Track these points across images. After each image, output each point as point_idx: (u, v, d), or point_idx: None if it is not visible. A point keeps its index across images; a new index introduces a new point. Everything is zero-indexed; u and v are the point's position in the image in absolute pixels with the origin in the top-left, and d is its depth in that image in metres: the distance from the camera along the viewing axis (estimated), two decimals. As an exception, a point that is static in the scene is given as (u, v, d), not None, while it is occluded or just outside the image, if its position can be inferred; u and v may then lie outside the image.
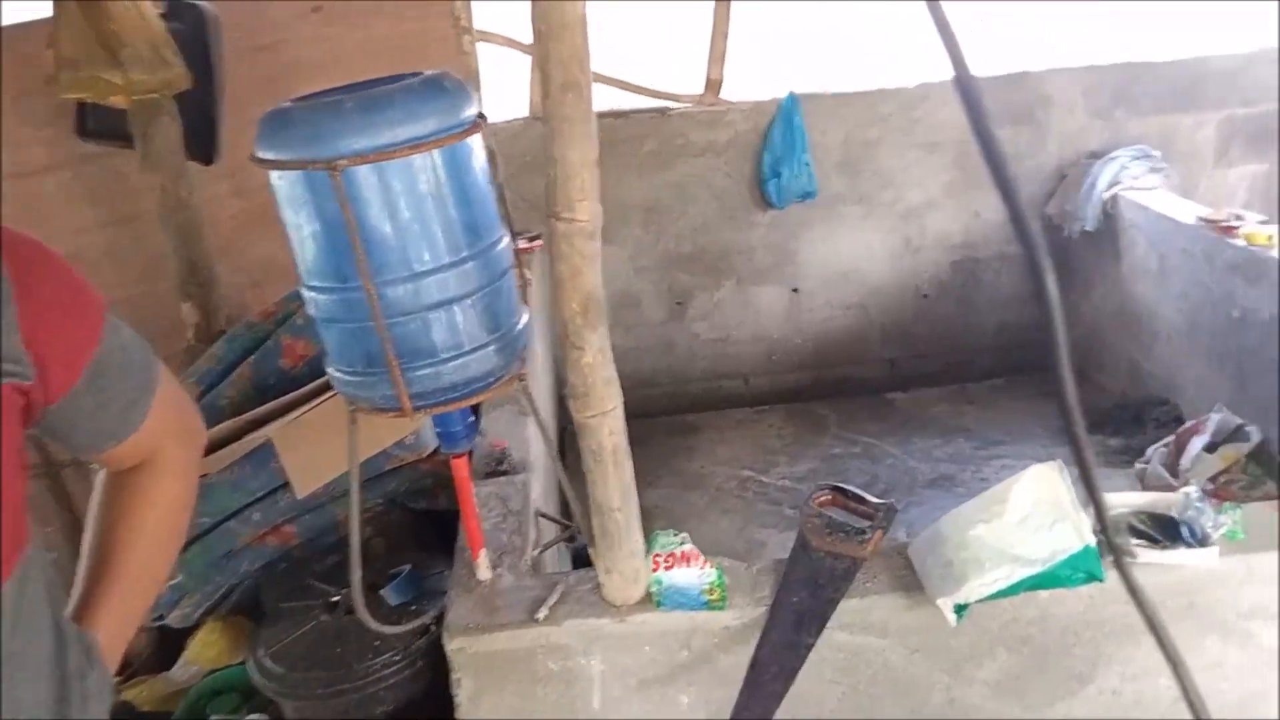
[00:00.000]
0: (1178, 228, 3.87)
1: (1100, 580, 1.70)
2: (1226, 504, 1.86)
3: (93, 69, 2.47)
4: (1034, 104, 4.48)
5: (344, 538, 1.83)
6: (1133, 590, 0.62)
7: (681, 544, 1.80)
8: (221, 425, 2.23)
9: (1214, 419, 3.48)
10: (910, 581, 1.77)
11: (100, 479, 1.06)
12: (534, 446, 2.35)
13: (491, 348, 1.60)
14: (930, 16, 0.49)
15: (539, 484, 2.36)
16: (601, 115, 4.90)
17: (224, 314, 2.94)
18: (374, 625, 1.71)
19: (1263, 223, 3.57)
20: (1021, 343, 4.82)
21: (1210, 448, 3.46)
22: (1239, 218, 3.65)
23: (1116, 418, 4.19)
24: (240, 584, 2.21)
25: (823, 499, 1.92)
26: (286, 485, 2.14)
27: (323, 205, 1.45)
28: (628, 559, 1.70)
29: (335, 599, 2.01)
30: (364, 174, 1.43)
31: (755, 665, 1.70)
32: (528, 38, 3.57)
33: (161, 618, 2.18)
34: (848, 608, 1.74)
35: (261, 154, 1.47)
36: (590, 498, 1.68)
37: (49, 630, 0.88)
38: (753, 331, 4.84)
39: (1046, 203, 4.59)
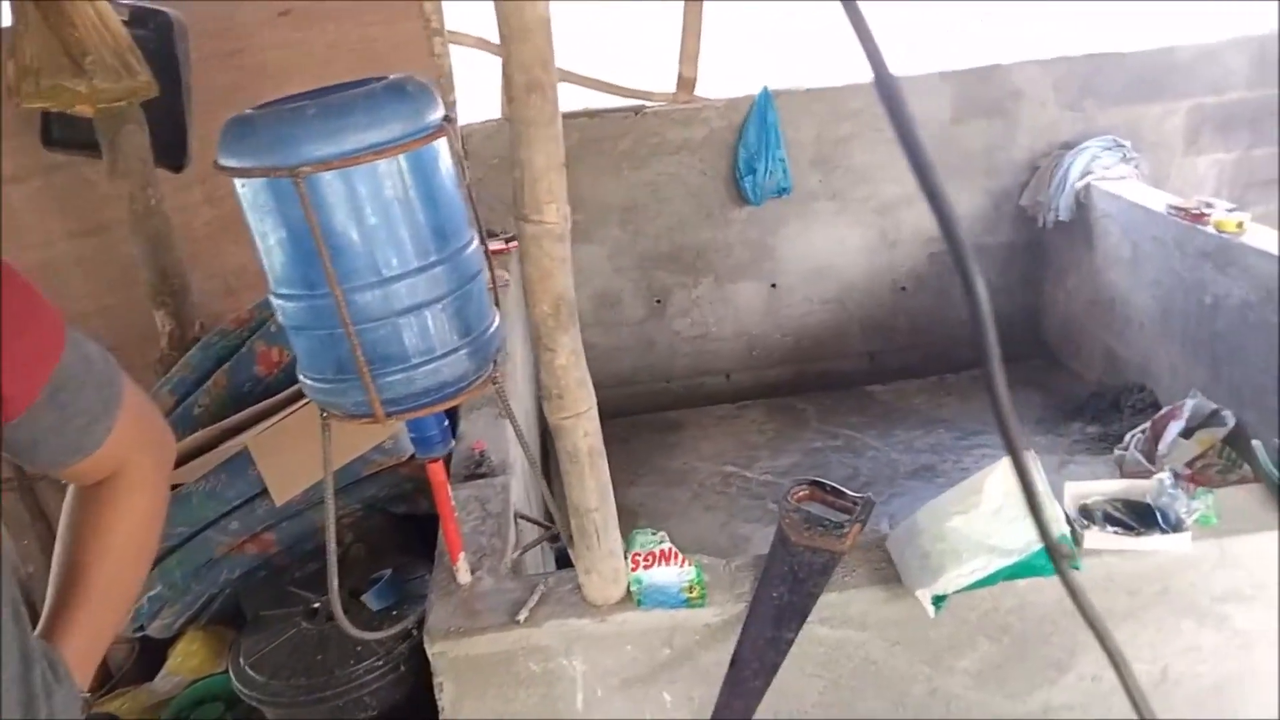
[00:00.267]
0: (1149, 216, 3.90)
1: (1076, 568, 1.71)
2: (1199, 489, 1.87)
3: (55, 78, 2.44)
4: (1005, 97, 4.50)
5: (324, 544, 1.82)
6: (1072, 591, 0.62)
7: (660, 543, 1.81)
8: (197, 434, 2.22)
9: (1189, 404, 3.51)
10: (889, 574, 1.78)
11: (69, 494, 1.05)
12: (514, 448, 2.34)
13: (463, 352, 1.60)
14: (846, 16, 0.49)
15: (519, 485, 2.35)
16: (576, 115, 4.92)
17: (198, 322, 2.93)
18: (353, 631, 1.71)
19: (1232, 210, 3.61)
20: (999, 333, 4.83)
21: (1186, 433, 3.50)
22: (1209, 205, 3.69)
23: (1094, 405, 4.23)
24: (220, 593, 2.20)
25: (801, 494, 1.92)
26: (264, 493, 2.13)
27: (288, 212, 1.44)
28: (606, 559, 1.70)
29: (316, 606, 2.00)
30: (328, 180, 1.43)
31: (736, 662, 1.70)
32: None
33: (142, 628, 2.17)
34: (827, 602, 1.75)
35: (224, 162, 1.46)
36: (567, 499, 1.68)
37: (15, 649, 0.87)
38: (733, 328, 4.85)
39: (1020, 194, 4.63)
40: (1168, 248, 3.83)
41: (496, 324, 1.71)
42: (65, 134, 2.89)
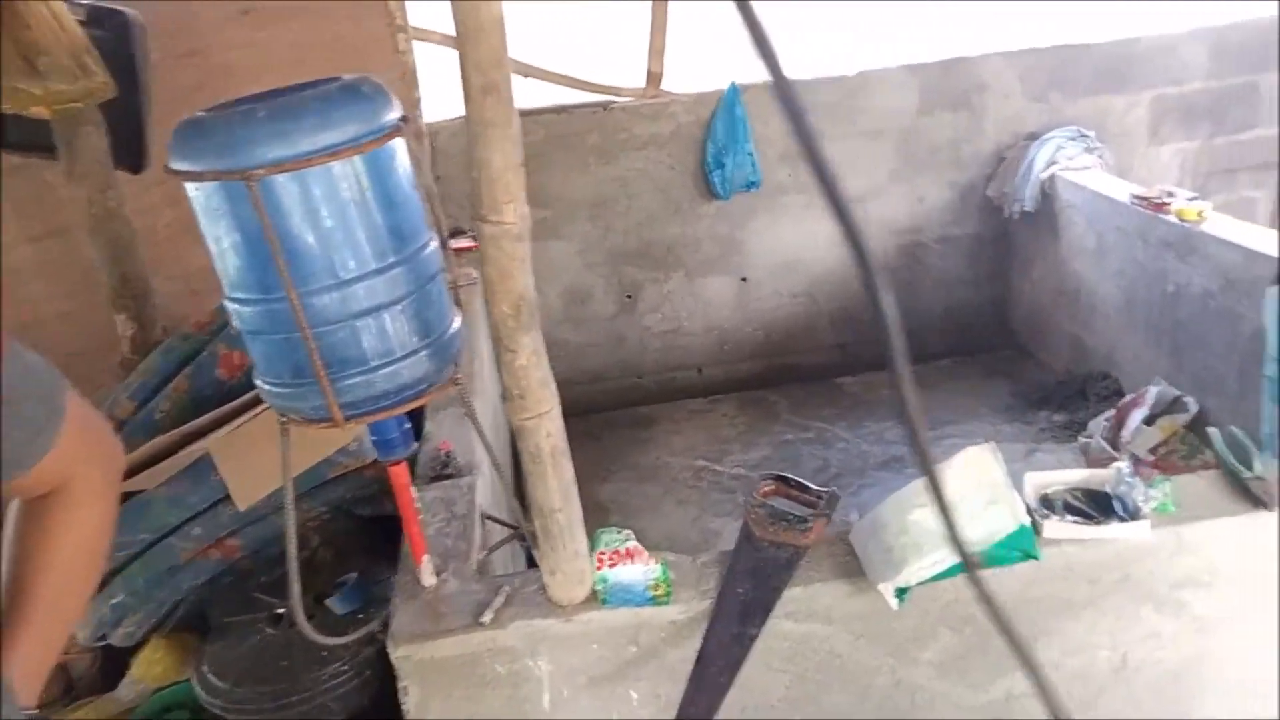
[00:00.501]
0: (1113, 206, 3.94)
1: (1036, 559, 1.73)
2: (1157, 477, 1.90)
3: (10, 79, 2.40)
4: (971, 89, 4.53)
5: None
6: (984, 597, 0.63)
7: (625, 541, 1.81)
8: (158, 439, 2.19)
9: (1152, 392, 3.56)
10: (853, 568, 1.79)
11: (12, 508, 1.03)
12: (481, 448, 2.33)
13: (424, 353, 1.59)
14: (740, 16, 0.49)
15: (487, 486, 2.35)
16: (544, 111, 4.89)
17: (161, 325, 2.89)
18: (315, 637, 1.70)
19: (1193, 199, 3.65)
20: (967, 324, 4.90)
21: (1149, 420, 3.55)
22: (1170, 195, 3.73)
23: (1060, 393, 4.27)
24: (184, 600, 2.18)
25: (767, 489, 1.93)
26: (227, 498, 2.11)
27: (241, 215, 1.43)
28: (571, 559, 1.70)
29: (281, 611, 1.99)
30: (282, 183, 1.41)
31: (701, 658, 1.71)
32: (464, 35, 3.54)
33: (104, 637, 2.14)
34: (792, 596, 1.76)
35: (176, 165, 1.45)
36: (531, 500, 1.68)
37: None
38: (703, 322, 4.86)
39: (987, 185, 4.66)
40: (1131, 237, 3.87)
41: (457, 324, 1.70)
42: (21, 136, 2.84)
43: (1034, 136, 4.50)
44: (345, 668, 1.82)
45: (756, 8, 0.50)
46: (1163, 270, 3.71)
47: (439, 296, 1.65)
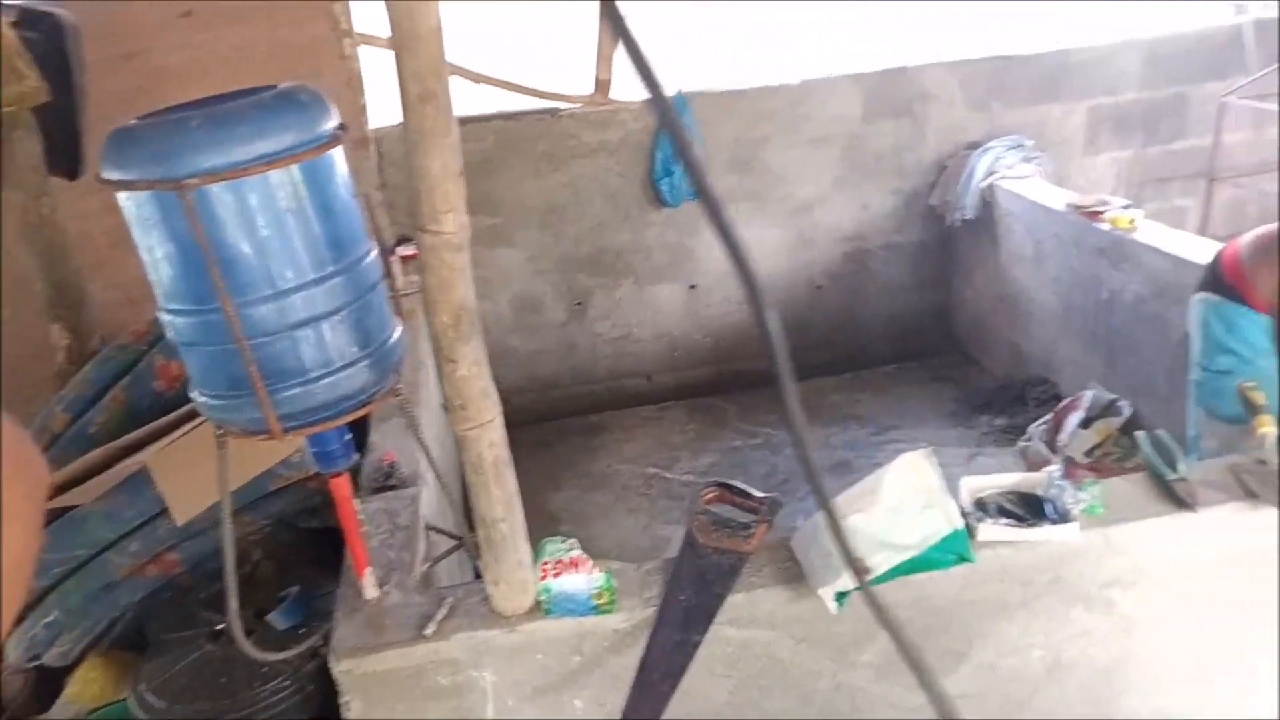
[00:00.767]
0: (1049, 214, 4.05)
1: (970, 561, 1.77)
2: (1087, 480, 1.96)
3: (-64, 84, 2.33)
4: (914, 98, 4.62)
5: (228, 563, 1.78)
6: (876, 607, 0.65)
7: (570, 550, 1.82)
8: (93, 453, 2.14)
9: (1088, 395, 3.65)
10: (794, 573, 1.81)
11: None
12: (424, 459, 2.32)
13: (364, 363, 1.58)
14: (613, 29, 0.51)
15: (433, 497, 2.34)
16: (492, 118, 4.87)
17: (98, 335, 2.83)
18: (254, 653, 1.67)
19: (1126, 207, 3.77)
20: (911, 330, 4.99)
21: (1085, 423, 3.64)
22: (1105, 203, 3.84)
23: (1001, 398, 4.37)
24: (121, 617, 2.13)
25: (710, 495, 1.95)
26: (165, 512, 2.07)
27: (174, 226, 1.41)
28: (515, 569, 1.70)
29: (221, 627, 1.95)
30: (216, 193, 1.40)
31: (644, 666, 1.72)
32: (410, 41, 3.50)
33: (38, 657, 2.09)
34: (735, 602, 1.78)
35: (108, 174, 1.43)
36: (474, 510, 1.67)
37: None
38: (653, 329, 4.88)
39: (929, 193, 4.75)
40: (1067, 245, 3.98)
41: (398, 334, 1.69)
42: (-51, 141, 2.76)
43: (975, 145, 4.60)
44: (287, 683, 1.80)
45: (632, 25, 0.52)
46: (1097, 277, 3.82)
47: (379, 306, 1.64)
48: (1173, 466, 1.97)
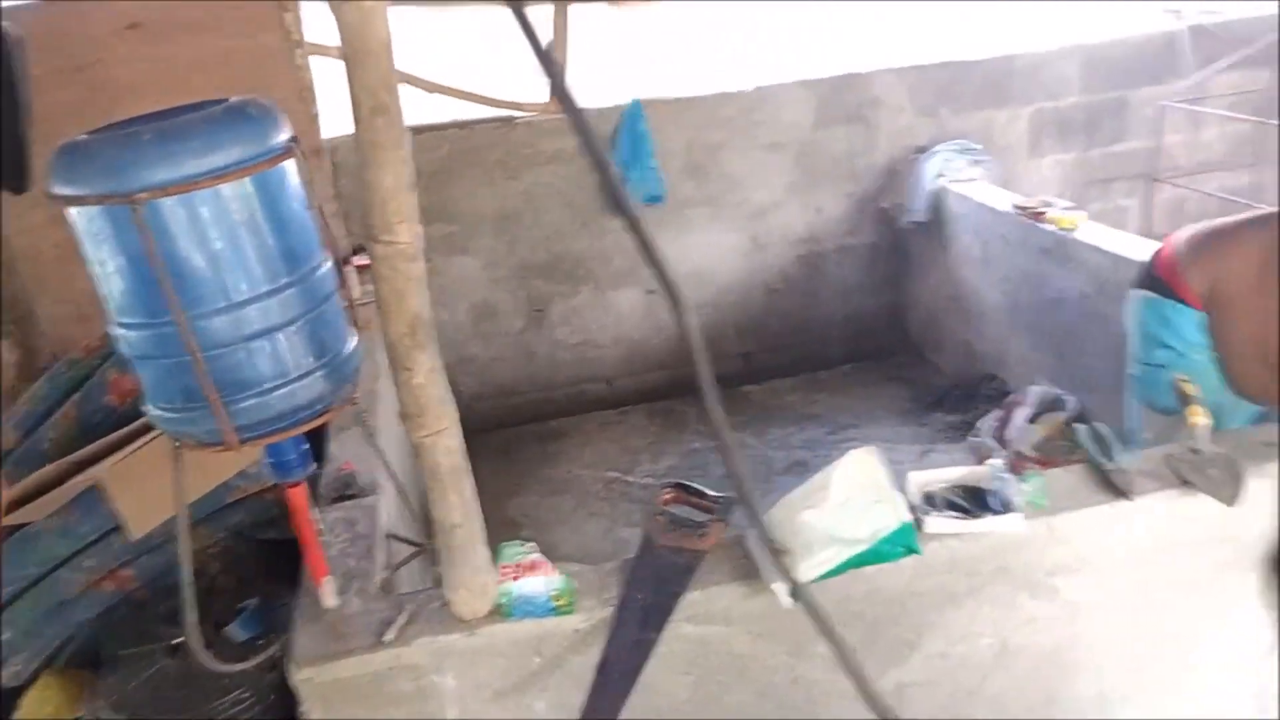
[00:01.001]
0: (996, 216, 4.15)
1: (918, 553, 1.83)
2: (1029, 472, 2.03)
3: (-124, 99, 2.30)
4: (864, 104, 4.71)
5: (184, 576, 1.78)
6: (810, 608, 0.70)
7: (529, 554, 1.84)
8: (45, 469, 2.13)
9: (1034, 391, 3.75)
10: (750, 570, 1.85)
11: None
12: (382, 468, 2.33)
13: (320, 373, 1.59)
14: (523, 36, 0.54)
15: (393, 506, 2.35)
16: (447, 126, 4.86)
17: (48, 351, 2.81)
18: (212, 665, 1.68)
19: (1068, 208, 3.87)
20: (866, 330, 5.07)
21: (1033, 418, 3.74)
22: (1048, 204, 3.94)
23: (953, 395, 4.47)
24: (76, 634, 2.11)
25: (666, 496, 1.99)
26: (120, 528, 2.06)
27: (126, 240, 1.42)
28: (474, 574, 1.72)
29: (178, 641, 1.95)
30: (168, 206, 1.41)
31: (603, 664, 1.75)
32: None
33: (-10, 677, 2.07)
34: (692, 600, 1.81)
35: (57, 189, 1.43)
36: (433, 517, 1.69)
37: None
38: (613, 335, 4.91)
39: (881, 196, 4.84)
40: (1013, 245, 4.08)
41: (354, 344, 1.71)
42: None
43: (924, 149, 4.70)
44: (246, 695, 1.80)
45: (538, 30, 0.55)
46: (1043, 276, 3.92)
47: (334, 316, 1.66)
48: (1110, 457, 2.04)
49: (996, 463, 1.99)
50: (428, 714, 1.74)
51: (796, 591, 1.76)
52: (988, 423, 3.81)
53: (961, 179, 4.53)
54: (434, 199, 4.36)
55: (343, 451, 2.41)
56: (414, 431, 1.62)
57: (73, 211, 1.47)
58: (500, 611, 1.75)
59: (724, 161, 4.69)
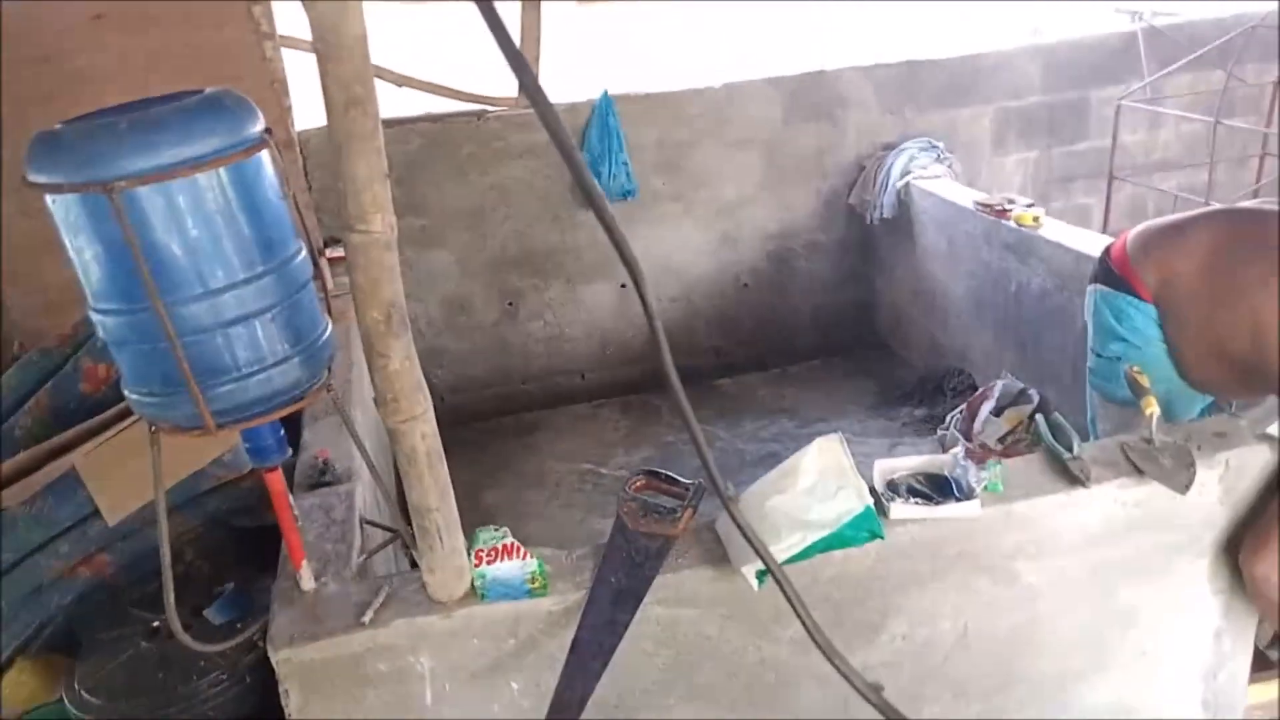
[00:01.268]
0: (960, 212, 4.24)
1: (882, 538, 1.88)
2: (988, 461, 2.09)
3: None
4: (832, 101, 4.78)
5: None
6: (782, 586, 0.74)
7: (503, 538, 1.87)
8: (20, 455, 2.13)
9: (999, 385, 3.84)
10: (719, 555, 1.90)
11: None
12: (358, 455, 2.36)
13: (295, 360, 1.62)
14: (491, 31, 0.58)
15: (368, 493, 2.37)
16: (418, 120, 4.87)
17: (16, 341, 2.79)
18: (192, 644, 1.70)
19: (1029, 205, 3.97)
20: (835, 325, 5.15)
21: (997, 411, 3.83)
22: (1011, 202, 4.04)
23: (920, 389, 4.55)
24: (52, 619, 2.12)
25: (638, 484, 2.02)
26: (96, 513, 2.07)
27: (103, 228, 1.44)
28: (449, 557, 1.75)
29: (156, 624, 1.97)
30: (145, 195, 1.43)
31: (576, 645, 1.79)
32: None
33: (-36, 664, 2.07)
34: (662, 583, 1.85)
35: (34, 177, 1.44)
36: (409, 501, 1.72)
37: None
38: (585, 328, 4.95)
39: (849, 193, 4.92)
40: (977, 241, 4.17)
41: (329, 332, 1.73)
42: None
43: (890, 146, 4.78)
44: (224, 677, 1.82)
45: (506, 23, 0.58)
46: (1006, 271, 4.01)
47: (310, 304, 1.68)
48: (1069, 447, 2.11)
49: (958, 451, 2.05)
50: (404, 695, 1.77)
51: (763, 575, 1.82)
52: (954, 416, 3.90)
53: (927, 176, 4.62)
54: (405, 192, 4.37)
55: (317, 439, 2.43)
56: (389, 417, 1.65)
57: (49, 199, 1.48)
58: (476, 594, 1.78)
59: (694, 157, 4.74)
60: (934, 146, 4.75)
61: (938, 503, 1.97)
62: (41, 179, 1.46)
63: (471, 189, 4.56)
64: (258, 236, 1.56)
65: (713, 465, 0.69)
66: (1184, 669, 2.26)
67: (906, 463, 2.09)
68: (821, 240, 5.03)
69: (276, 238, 1.60)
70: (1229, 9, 5.12)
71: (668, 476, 2.02)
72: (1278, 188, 5.00)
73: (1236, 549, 2.09)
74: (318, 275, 1.74)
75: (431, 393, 1.68)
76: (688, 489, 1.99)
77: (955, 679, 2.10)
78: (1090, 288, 2.59)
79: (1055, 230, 3.78)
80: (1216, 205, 2.45)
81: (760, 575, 1.83)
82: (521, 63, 0.58)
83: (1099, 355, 2.53)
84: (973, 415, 3.87)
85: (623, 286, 4.89)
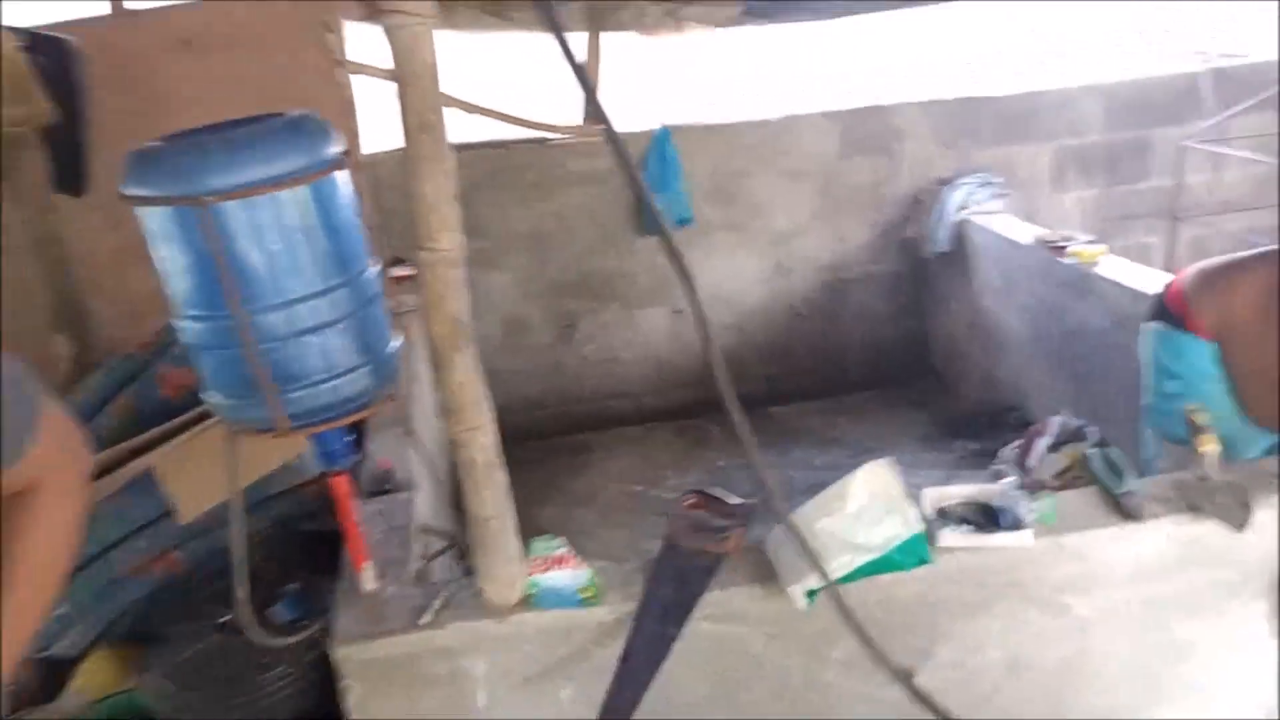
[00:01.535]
0: (1017, 248, 4.22)
1: (930, 563, 1.89)
2: (1041, 492, 2.09)
3: (-46, 105, 2.45)
4: (888, 135, 4.81)
5: (231, 562, 1.87)
6: (842, 609, 0.77)
7: (558, 548, 1.93)
8: (102, 454, 2.24)
9: (1056, 421, 3.79)
10: (768, 573, 1.93)
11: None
12: (418, 465, 2.43)
13: (364, 369, 1.70)
14: (564, 61, 0.63)
15: (428, 501, 2.44)
16: (484, 146, 5.00)
17: (102, 347, 2.93)
18: (261, 637, 1.77)
19: (1090, 242, 3.94)
20: (888, 357, 5.14)
21: (1054, 447, 3.78)
22: (1069, 239, 4.01)
23: (974, 424, 4.52)
24: (127, 612, 2.21)
25: (690, 502, 2.07)
26: (171, 513, 2.17)
27: (192, 239, 1.53)
28: (505, 564, 1.81)
29: (225, 619, 2.04)
30: (232, 209, 1.52)
31: (626, 656, 1.83)
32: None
33: (47, 648, 2.17)
34: (711, 599, 1.89)
35: (129, 190, 1.55)
36: (467, 509, 1.78)
37: None
38: (639, 352, 5.01)
39: (905, 226, 4.92)
40: (1034, 277, 4.15)
41: (396, 345, 1.81)
42: (-37, 160, 2.87)
43: (946, 181, 4.78)
44: (289, 671, 1.89)
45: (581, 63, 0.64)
46: (1063, 308, 3.98)
47: (379, 317, 1.76)
48: (1122, 482, 2.10)
49: (1009, 481, 2.06)
50: (458, 696, 1.82)
51: (812, 595, 1.84)
52: (1009, 451, 3.86)
53: (984, 211, 4.61)
54: (467, 215, 4.44)
55: (380, 449, 2.51)
56: (452, 427, 1.72)
57: (143, 212, 1.58)
58: (530, 601, 1.83)
59: (749, 187, 4.80)
60: (991, 182, 4.74)
61: (989, 532, 1.97)
62: (136, 191, 1.56)
63: (533, 214, 4.67)
64: (333, 251, 1.65)
65: (768, 477, 0.73)
66: (1239, 709, 2.21)
67: (956, 491, 2.10)
68: (875, 272, 5.04)
69: (350, 253, 1.69)
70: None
71: (719, 496, 2.06)
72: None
73: (1296, 590, 2.06)
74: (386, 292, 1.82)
75: (486, 411, 1.74)
76: (737, 509, 2.03)
77: (1004, 709, 2.09)
78: (1146, 326, 2.57)
79: (1113, 268, 3.75)
80: (1275, 245, 2.43)
81: (809, 595, 1.85)
82: (592, 90, 0.63)
83: (1156, 393, 2.52)
84: (1028, 450, 3.83)
85: (677, 312, 4.95)
